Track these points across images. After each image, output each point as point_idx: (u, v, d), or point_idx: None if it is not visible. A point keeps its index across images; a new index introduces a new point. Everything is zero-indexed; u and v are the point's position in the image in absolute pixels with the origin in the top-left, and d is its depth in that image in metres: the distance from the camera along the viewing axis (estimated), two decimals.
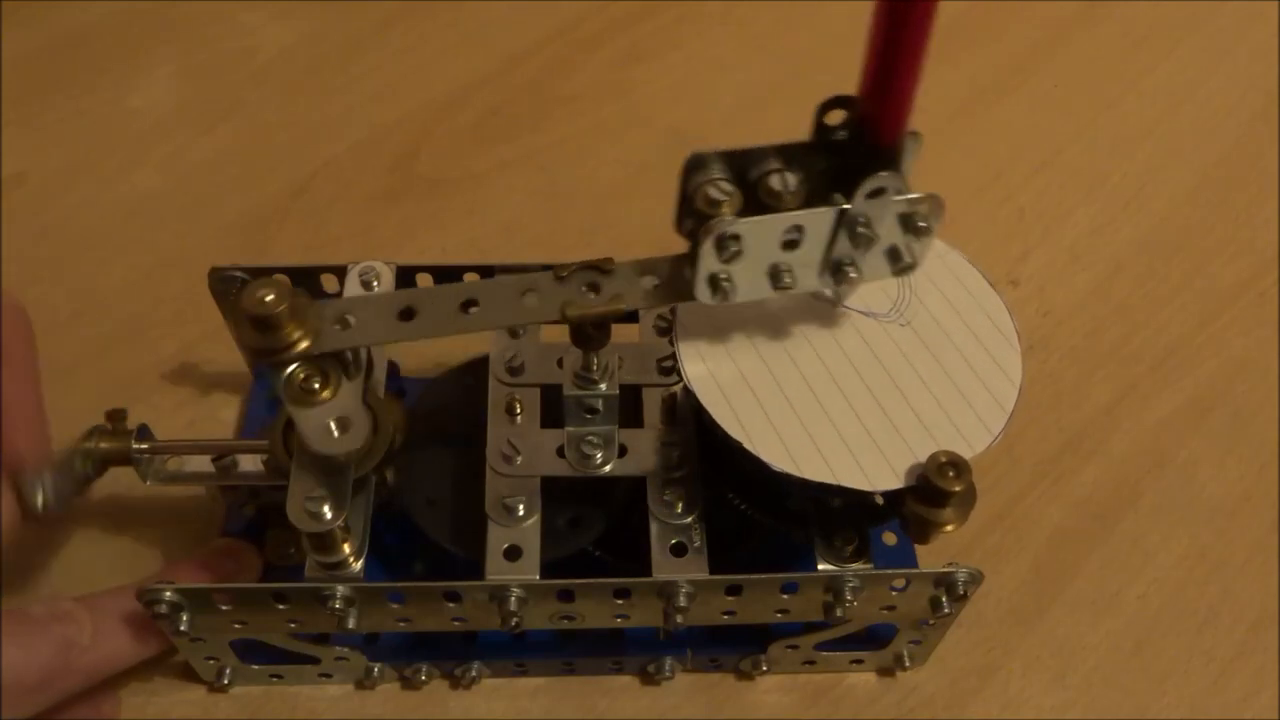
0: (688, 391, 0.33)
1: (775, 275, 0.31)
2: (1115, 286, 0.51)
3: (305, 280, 0.40)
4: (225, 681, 0.38)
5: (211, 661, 0.37)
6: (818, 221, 0.30)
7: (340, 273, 0.39)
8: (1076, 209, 0.54)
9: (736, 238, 0.30)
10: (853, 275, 0.31)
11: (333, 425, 0.30)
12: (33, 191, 0.52)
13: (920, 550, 0.40)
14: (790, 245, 0.30)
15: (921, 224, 0.30)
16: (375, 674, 0.38)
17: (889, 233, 0.31)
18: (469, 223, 0.52)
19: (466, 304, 0.32)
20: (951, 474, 0.30)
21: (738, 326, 0.34)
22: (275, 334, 0.29)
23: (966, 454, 0.31)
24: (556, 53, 0.59)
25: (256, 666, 0.37)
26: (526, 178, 0.54)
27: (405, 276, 0.39)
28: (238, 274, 0.39)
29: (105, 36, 0.59)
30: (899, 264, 0.31)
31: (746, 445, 0.32)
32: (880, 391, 0.33)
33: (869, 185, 0.29)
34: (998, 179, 0.55)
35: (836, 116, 0.29)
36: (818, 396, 0.33)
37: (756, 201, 0.30)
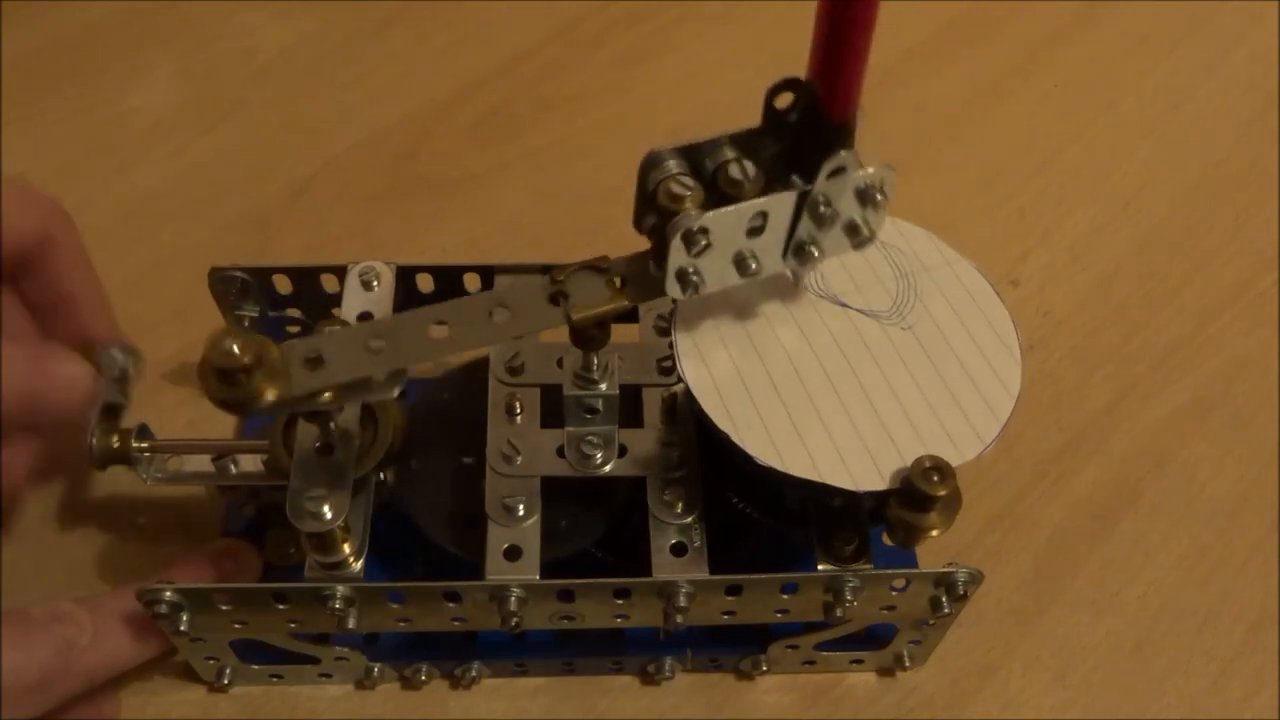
0: (688, 391, 0.33)
1: (740, 263, 0.31)
2: (1115, 286, 0.51)
3: (305, 280, 0.40)
4: (225, 681, 0.38)
5: (211, 661, 0.37)
6: (780, 206, 0.30)
7: (340, 273, 0.39)
8: (1076, 209, 0.54)
9: (705, 231, 0.30)
10: (815, 254, 0.32)
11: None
12: None
13: (920, 550, 0.40)
14: (754, 232, 0.31)
15: (879, 196, 0.31)
16: (375, 674, 0.38)
17: (847, 208, 0.31)
18: (469, 223, 0.52)
19: (437, 325, 0.31)
20: (935, 478, 0.30)
21: (737, 324, 0.34)
22: (241, 387, 0.28)
23: (955, 461, 0.31)
24: (556, 53, 0.59)
25: (256, 666, 0.37)
26: (526, 178, 0.54)
27: (405, 276, 0.40)
28: (238, 274, 0.39)
29: (105, 36, 0.59)
30: (858, 238, 0.32)
31: (734, 438, 0.32)
32: (874, 393, 0.33)
33: (830, 166, 0.29)
34: (998, 179, 0.55)
35: (785, 99, 0.30)
36: (810, 395, 0.33)
37: (717, 192, 0.30)
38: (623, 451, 0.35)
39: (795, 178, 0.30)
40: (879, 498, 0.32)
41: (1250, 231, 0.53)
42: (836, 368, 0.33)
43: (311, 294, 0.40)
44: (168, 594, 0.32)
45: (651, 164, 0.30)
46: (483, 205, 0.53)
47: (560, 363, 0.37)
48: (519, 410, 0.36)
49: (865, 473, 0.31)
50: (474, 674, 0.38)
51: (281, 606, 0.33)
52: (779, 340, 0.34)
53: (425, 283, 0.40)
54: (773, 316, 0.34)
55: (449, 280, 0.40)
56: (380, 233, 0.51)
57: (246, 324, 0.41)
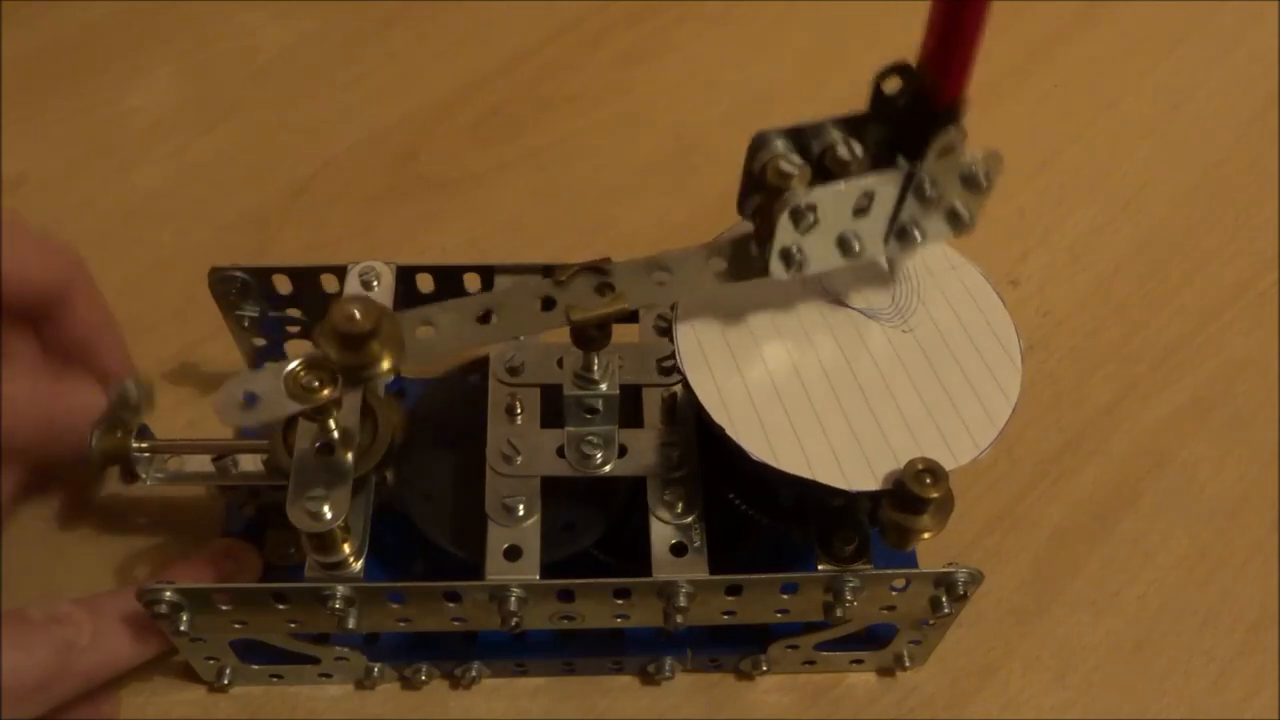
0: (688, 391, 0.33)
1: (844, 244, 0.31)
2: (1115, 286, 0.51)
3: (305, 280, 0.40)
4: (225, 681, 0.38)
5: (211, 661, 0.37)
6: (887, 186, 0.30)
7: (340, 273, 0.39)
8: (1076, 209, 0.54)
9: (812, 208, 0.30)
10: (917, 238, 0.32)
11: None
12: (33, 191, 0.52)
13: (920, 550, 0.40)
14: (860, 212, 0.31)
15: (983, 181, 0.31)
16: (375, 674, 0.38)
17: (950, 192, 0.31)
18: (469, 223, 0.52)
19: (546, 302, 0.32)
20: (928, 481, 0.30)
21: (739, 321, 0.34)
22: (361, 352, 0.29)
23: (949, 464, 0.31)
24: (556, 53, 0.59)
25: (256, 666, 0.37)
26: (526, 178, 0.54)
27: (405, 276, 0.39)
28: (238, 274, 0.39)
29: (105, 36, 0.59)
30: (958, 224, 0.32)
31: (728, 432, 0.32)
32: (872, 394, 0.33)
33: (940, 143, 0.29)
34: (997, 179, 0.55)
35: (893, 84, 0.30)
36: (808, 393, 0.33)
37: (825, 173, 0.30)
38: (623, 451, 0.35)
39: (901, 159, 0.30)
40: (874, 498, 0.32)
41: (1250, 231, 0.53)
42: (835, 367, 0.33)
43: (311, 294, 0.40)
44: (168, 594, 0.32)
45: (759, 145, 0.30)
46: (483, 205, 0.53)
47: (560, 363, 0.36)
48: (519, 410, 0.36)
49: (859, 472, 0.31)
50: (474, 674, 0.38)
51: (281, 606, 0.33)
52: (779, 338, 0.34)
53: (425, 283, 0.40)
54: (774, 315, 0.34)
55: (449, 280, 0.40)
56: (380, 233, 0.51)
57: (246, 324, 0.41)
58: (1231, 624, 0.41)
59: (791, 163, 0.30)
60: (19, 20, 0.58)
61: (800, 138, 0.31)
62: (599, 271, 0.32)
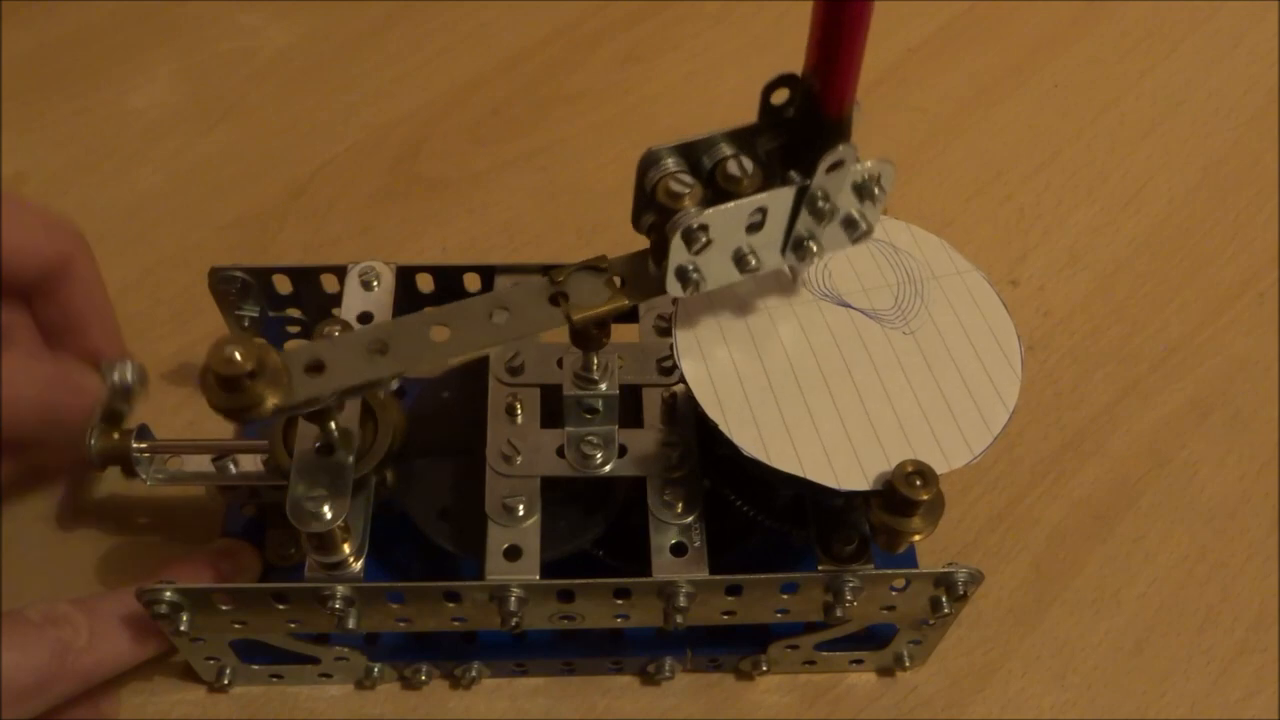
0: (686, 388, 0.33)
1: (740, 259, 0.31)
2: (1115, 286, 0.51)
3: (305, 280, 0.40)
4: (225, 681, 0.38)
5: (211, 661, 0.37)
6: (780, 201, 0.30)
7: (340, 273, 0.39)
8: (1076, 209, 0.54)
9: (705, 228, 0.30)
10: (813, 249, 0.32)
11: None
12: (33, 191, 0.52)
13: (920, 550, 0.40)
14: (754, 228, 0.31)
15: (876, 190, 0.31)
16: (375, 674, 0.38)
17: (845, 203, 0.31)
18: (469, 223, 0.52)
19: (438, 328, 0.31)
20: (918, 483, 0.30)
21: (738, 318, 0.34)
22: (243, 394, 0.28)
23: (942, 468, 0.31)
24: (556, 53, 0.59)
25: (256, 666, 0.37)
26: (526, 178, 0.54)
27: (405, 276, 0.40)
28: (238, 274, 0.39)
29: (105, 36, 0.59)
30: (855, 232, 0.32)
31: (721, 427, 0.32)
32: (868, 395, 0.33)
33: (829, 159, 0.29)
34: (998, 179, 0.55)
35: (782, 95, 0.30)
36: (804, 392, 0.33)
37: (715, 189, 0.30)
38: (623, 451, 0.35)
39: (793, 173, 0.30)
40: (867, 499, 0.32)
41: (1250, 231, 0.53)
42: (832, 367, 0.33)
43: (311, 294, 0.40)
44: (168, 594, 0.32)
45: (649, 162, 0.30)
46: (483, 205, 0.53)
47: (560, 363, 0.36)
48: (519, 410, 0.36)
49: (850, 472, 0.31)
50: (474, 674, 0.38)
51: (281, 606, 0.33)
52: (778, 337, 0.34)
53: (425, 283, 0.40)
54: (774, 313, 0.34)
55: (449, 280, 0.40)
56: (380, 233, 0.51)
57: (246, 324, 0.41)
58: (1231, 624, 0.41)
59: (681, 182, 0.30)
60: (19, 20, 0.58)
61: (691, 153, 0.30)
62: (594, 269, 0.32)
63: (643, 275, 0.32)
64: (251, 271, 0.39)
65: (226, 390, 0.28)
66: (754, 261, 0.31)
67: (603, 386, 0.35)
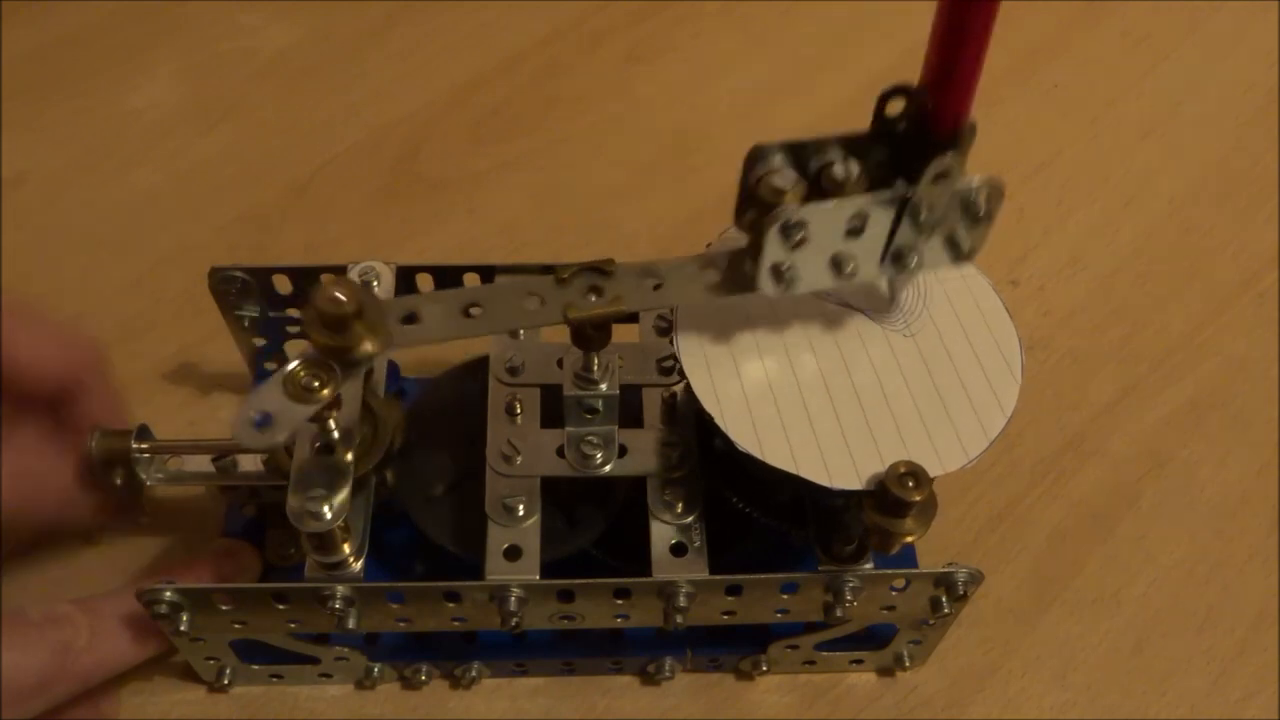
0: (688, 391, 0.33)
1: (837, 264, 0.31)
2: (1115, 286, 0.51)
3: (305, 280, 0.40)
4: (225, 681, 0.38)
5: (211, 661, 0.37)
6: (881, 208, 0.30)
7: (340, 273, 0.39)
8: (1077, 209, 0.54)
9: (802, 224, 0.30)
10: (913, 263, 0.31)
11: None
12: (33, 191, 0.52)
13: (920, 550, 0.40)
14: (853, 233, 0.30)
15: (981, 211, 0.30)
16: (375, 674, 0.38)
17: (949, 219, 0.31)
18: (469, 223, 0.52)
19: (536, 299, 0.32)
20: (910, 484, 0.30)
21: (739, 316, 0.34)
22: (345, 334, 0.29)
23: (936, 471, 0.31)
24: (556, 53, 0.59)
25: (256, 666, 0.37)
26: (526, 178, 0.54)
27: (405, 276, 0.40)
28: (238, 274, 0.39)
29: (105, 36, 0.59)
30: (957, 252, 0.31)
31: (717, 420, 0.32)
32: (865, 396, 0.33)
33: (934, 168, 0.29)
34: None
35: (896, 106, 0.29)
36: (801, 390, 0.33)
37: (820, 191, 0.30)
38: (623, 451, 0.35)
39: (899, 182, 0.30)
40: (860, 499, 0.32)
41: (1250, 231, 0.53)
42: (831, 366, 0.33)
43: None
44: (168, 594, 0.32)
45: (756, 158, 0.30)
46: (483, 205, 0.53)
47: (560, 363, 0.36)
48: (519, 410, 0.36)
49: (843, 471, 0.31)
50: (474, 674, 0.38)
51: (281, 606, 0.33)
52: (778, 334, 0.34)
53: (425, 282, 0.40)
54: (775, 312, 0.34)
55: (449, 280, 0.40)
56: (380, 233, 0.51)
57: (247, 324, 0.41)
58: (1231, 624, 0.41)
59: (785, 178, 0.30)
60: (19, 20, 0.58)
61: (799, 153, 0.30)
62: (599, 272, 0.32)
63: (738, 272, 0.32)
64: (251, 271, 0.39)
65: (330, 329, 0.29)
66: (851, 268, 0.31)
67: (603, 386, 0.35)
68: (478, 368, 0.38)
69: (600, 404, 0.35)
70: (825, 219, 0.30)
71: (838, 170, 0.30)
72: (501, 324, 0.32)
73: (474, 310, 0.32)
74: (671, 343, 0.34)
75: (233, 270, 0.39)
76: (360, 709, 0.38)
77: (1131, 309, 0.50)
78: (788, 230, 0.30)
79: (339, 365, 0.30)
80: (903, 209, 0.30)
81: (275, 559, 0.39)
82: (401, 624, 0.34)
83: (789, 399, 0.32)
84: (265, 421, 0.29)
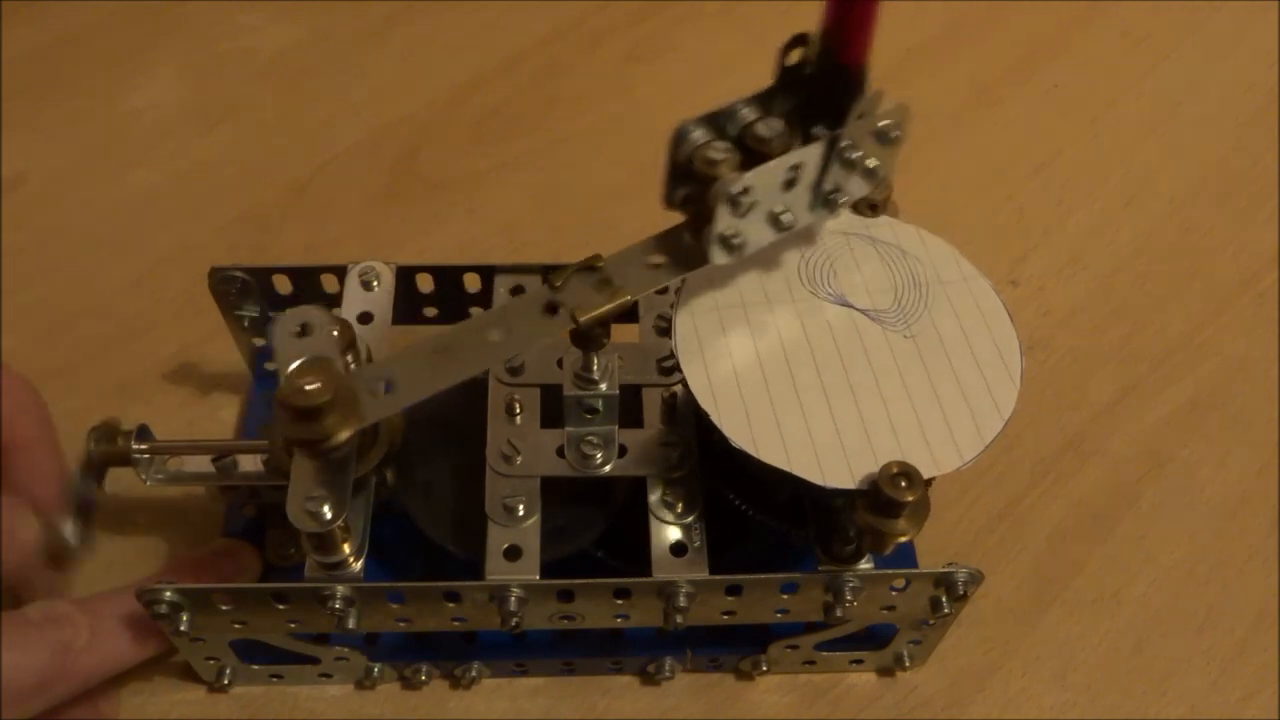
0: (688, 391, 0.33)
1: (775, 219, 0.32)
2: (1115, 286, 0.51)
3: (305, 280, 0.40)
4: (225, 681, 0.38)
5: (211, 661, 0.37)
6: (812, 155, 0.31)
7: (340, 273, 0.39)
8: (1076, 209, 0.54)
9: (747, 190, 0.30)
10: (840, 200, 0.32)
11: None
12: (33, 191, 0.52)
13: (920, 550, 0.40)
14: (788, 185, 0.31)
15: (895, 134, 0.31)
16: (375, 674, 0.38)
17: (868, 152, 0.32)
18: (469, 223, 0.52)
19: (505, 332, 0.32)
20: (903, 484, 0.30)
21: (738, 312, 0.34)
22: (318, 424, 0.28)
23: (930, 472, 0.31)
24: (556, 53, 0.60)
25: (256, 666, 0.37)
26: (526, 178, 0.54)
27: (405, 276, 0.40)
28: (238, 274, 0.39)
29: (105, 36, 0.59)
30: (875, 179, 0.32)
31: (712, 416, 0.32)
32: (862, 394, 0.33)
33: (858, 108, 0.30)
34: (998, 179, 0.55)
35: (797, 54, 0.30)
36: (797, 388, 0.33)
37: (747, 152, 0.31)
38: (623, 451, 0.35)
39: (818, 128, 0.31)
40: (853, 499, 0.31)
41: (1250, 231, 0.53)
42: (829, 365, 0.33)
43: (311, 294, 0.40)
44: (168, 594, 0.32)
45: (680, 137, 0.31)
46: (483, 205, 0.53)
47: (560, 363, 0.36)
48: (519, 410, 0.36)
49: (836, 470, 0.31)
50: (474, 674, 0.38)
51: (281, 606, 0.33)
52: (778, 332, 0.34)
53: (425, 283, 0.40)
54: (775, 309, 0.34)
55: (449, 280, 0.40)
56: (380, 233, 0.51)
57: (247, 324, 0.41)
58: (1231, 624, 0.41)
59: (717, 149, 0.30)
60: (19, 20, 0.58)
61: (717, 122, 0.31)
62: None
63: (680, 249, 0.32)
64: (251, 271, 0.39)
65: (302, 420, 0.28)
66: (790, 218, 0.32)
67: (603, 386, 0.35)
68: None
69: (600, 404, 0.35)
70: (767, 179, 0.30)
71: (761, 129, 0.31)
72: (473, 366, 0.31)
73: (438, 359, 0.31)
74: (671, 336, 0.34)
75: (233, 270, 0.39)
76: (360, 709, 0.38)
77: (1131, 309, 0.50)
78: (735, 200, 0.30)
79: (310, 457, 0.28)
80: (831, 151, 0.31)
81: (275, 559, 0.39)
82: (401, 624, 0.34)
83: (785, 398, 0.32)
84: (306, 331, 0.29)
